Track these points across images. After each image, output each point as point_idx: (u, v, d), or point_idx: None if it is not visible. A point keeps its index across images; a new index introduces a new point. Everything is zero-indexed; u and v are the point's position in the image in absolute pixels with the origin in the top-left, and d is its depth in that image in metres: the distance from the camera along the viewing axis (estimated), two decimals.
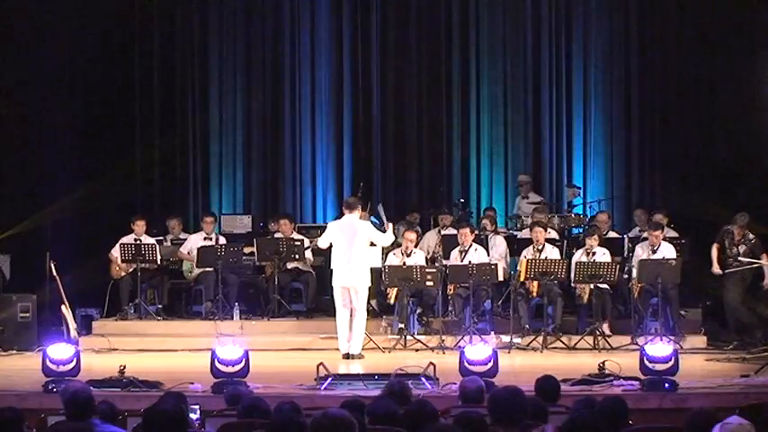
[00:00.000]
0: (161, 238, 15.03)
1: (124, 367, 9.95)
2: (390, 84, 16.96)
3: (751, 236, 13.22)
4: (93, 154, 16.00)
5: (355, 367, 11.67)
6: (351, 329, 12.31)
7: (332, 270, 12.51)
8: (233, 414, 6.99)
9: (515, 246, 14.33)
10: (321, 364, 9.94)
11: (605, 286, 13.26)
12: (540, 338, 12.88)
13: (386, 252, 13.43)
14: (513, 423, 5.96)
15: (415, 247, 13.70)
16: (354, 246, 12.29)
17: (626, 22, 16.74)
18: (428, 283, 13.16)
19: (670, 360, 9.72)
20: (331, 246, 12.73)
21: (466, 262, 13.32)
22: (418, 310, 13.57)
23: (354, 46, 17.18)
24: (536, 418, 6.30)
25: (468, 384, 7.53)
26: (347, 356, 12.21)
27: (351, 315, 12.35)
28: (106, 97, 16.23)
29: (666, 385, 9.60)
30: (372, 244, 12.60)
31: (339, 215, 15.23)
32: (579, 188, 16.24)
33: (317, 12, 17.16)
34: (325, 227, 15.32)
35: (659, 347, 10.02)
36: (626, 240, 14.40)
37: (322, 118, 17.13)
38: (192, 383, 9.80)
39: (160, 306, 14.37)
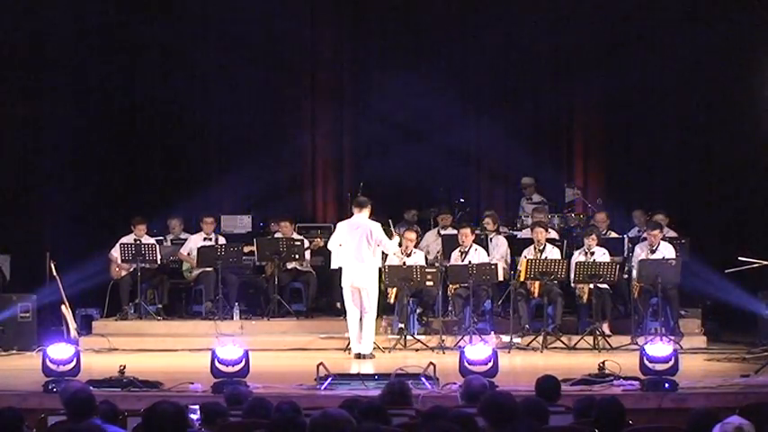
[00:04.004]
0: (161, 238, 15.04)
1: (124, 367, 9.95)
2: (391, 83, 16.94)
3: None
4: (93, 153, 15.99)
5: (356, 367, 11.65)
6: (361, 329, 12.30)
7: (341, 269, 12.46)
8: (233, 414, 6.99)
9: (516, 246, 14.33)
10: (321, 364, 9.94)
11: (605, 286, 13.27)
12: (540, 338, 12.88)
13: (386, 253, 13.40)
14: (506, 422, 5.93)
15: (415, 246, 13.71)
16: (364, 245, 12.26)
17: (626, 21, 16.73)
18: (428, 283, 13.16)
19: (670, 360, 9.71)
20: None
21: (466, 262, 13.33)
22: (418, 310, 13.56)
23: (355, 44, 17.21)
24: (536, 418, 6.29)
25: (473, 382, 7.52)
26: (359, 356, 12.19)
27: (361, 315, 12.33)
28: (106, 97, 16.23)
29: (666, 385, 9.58)
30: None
31: (338, 215, 15.31)
32: (579, 188, 16.26)
33: (317, 10, 17.17)
34: (326, 227, 15.39)
35: (659, 347, 10.00)
36: (626, 240, 14.40)
37: (322, 117, 17.14)
38: (192, 383, 9.81)
39: (160, 306, 14.37)
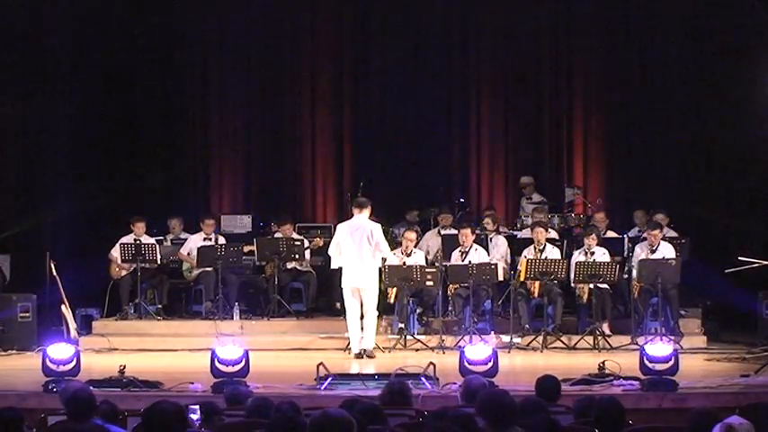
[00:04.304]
0: (161, 238, 15.04)
1: (124, 367, 9.95)
2: (391, 83, 16.94)
3: None
4: (93, 153, 15.98)
5: (356, 367, 11.66)
6: (362, 328, 12.29)
7: (340, 269, 12.45)
8: (234, 414, 6.99)
9: (516, 246, 14.33)
10: (321, 364, 9.94)
11: (605, 286, 13.26)
12: (540, 338, 12.88)
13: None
14: (506, 423, 5.93)
15: (415, 246, 13.71)
16: (365, 246, 12.26)
17: (626, 21, 16.74)
18: (428, 283, 13.15)
19: (670, 360, 9.71)
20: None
21: (466, 262, 13.32)
22: (418, 310, 13.56)
23: (354, 45, 17.20)
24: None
25: (473, 382, 7.52)
26: (359, 356, 12.19)
27: (361, 315, 12.32)
28: (107, 97, 16.22)
29: (667, 385, 9.59)
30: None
31: (338, 215, 15.28)
32: (579, 188, 16.26)
33: (316, 11, 17.17)
34: (326, 227, 15.37)
35: (659, 347, 10.00)
36: (626, 240, 14.40)
37: (322, 117, 17.14)
38: (192, 383, 9.81)
39: (160, 306, 14.37)
